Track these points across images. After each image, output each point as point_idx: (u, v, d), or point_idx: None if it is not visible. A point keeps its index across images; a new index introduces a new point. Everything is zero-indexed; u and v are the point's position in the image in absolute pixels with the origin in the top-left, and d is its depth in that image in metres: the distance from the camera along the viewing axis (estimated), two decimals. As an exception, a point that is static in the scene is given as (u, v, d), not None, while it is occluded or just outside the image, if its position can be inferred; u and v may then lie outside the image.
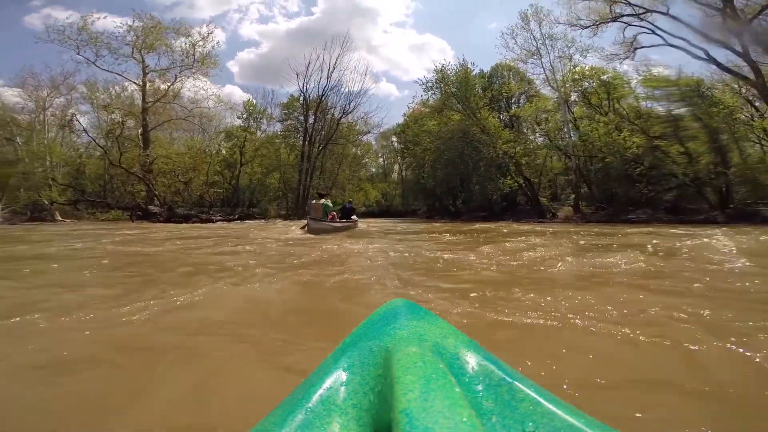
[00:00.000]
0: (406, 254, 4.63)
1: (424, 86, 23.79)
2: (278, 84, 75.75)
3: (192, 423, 1.06)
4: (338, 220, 10.47)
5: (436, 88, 23.57)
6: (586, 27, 20.78)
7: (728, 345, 1.47)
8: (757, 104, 21.14)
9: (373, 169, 40.04)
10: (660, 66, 20.08)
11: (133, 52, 24.65)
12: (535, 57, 22.24)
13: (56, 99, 27.14)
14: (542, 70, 22.38)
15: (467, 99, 22.30)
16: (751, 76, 16.75)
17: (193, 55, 25.53)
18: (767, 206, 15.54)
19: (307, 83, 26.36)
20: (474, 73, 24.09)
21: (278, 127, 31.59)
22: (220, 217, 22.02)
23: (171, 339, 1.68)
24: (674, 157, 18.47)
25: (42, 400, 1.18)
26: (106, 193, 26.01)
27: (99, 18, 23.79)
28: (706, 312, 1.90)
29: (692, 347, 1.47)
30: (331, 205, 10.06)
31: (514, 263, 3.78)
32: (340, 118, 26.31)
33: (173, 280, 2.99)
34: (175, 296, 2.30)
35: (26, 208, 22.66)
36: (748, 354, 1.40)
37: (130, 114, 24.65)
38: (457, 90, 22.48)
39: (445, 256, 4.41)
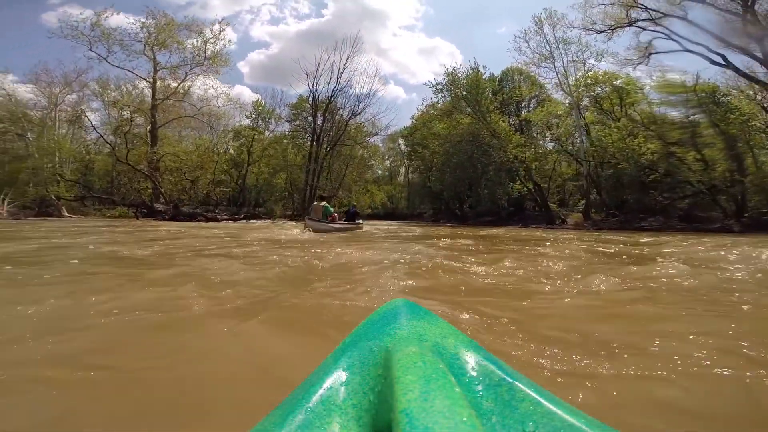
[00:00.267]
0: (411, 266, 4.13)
1: (434, 89, 23.39)
2: (287, 85, 75.70)
3: None
4: (339, 222, 10.84)
5: (447, 90, 23.13)
6: (601, 32, 20.25)
7: None
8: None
9: (380, 172, 39.60)
10: (674, 72, 19.46)
11: (144, 49, 24.46)
12: (548, 61, 21.72)
13: (68, 96, 27.12)
14: (555, 74, 21.84)
15: (478, 102, 21.83)
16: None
17: (204, 52, 25.28)
18: (783, 215, 14.89)
19: (316, 83, 26.02)
20: (485, 76, 23.62)
21: (286, 127, 31.32)
22: (225, 217, 21.62)
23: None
24: (690, 164, 17.89)
25: None
26: (113, 189, 25.80)
27: (112, 14, 23.61)
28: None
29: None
30: (331, 208, 10.49)
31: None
32: (349, 119, 25.86)
33: (114, 288, 2.55)
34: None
35: (34, 203, 22.47)
36: None
37: (139, 111, 24.42)
38: (467, 93, 22.02)
39: (474, 273, 3.87)
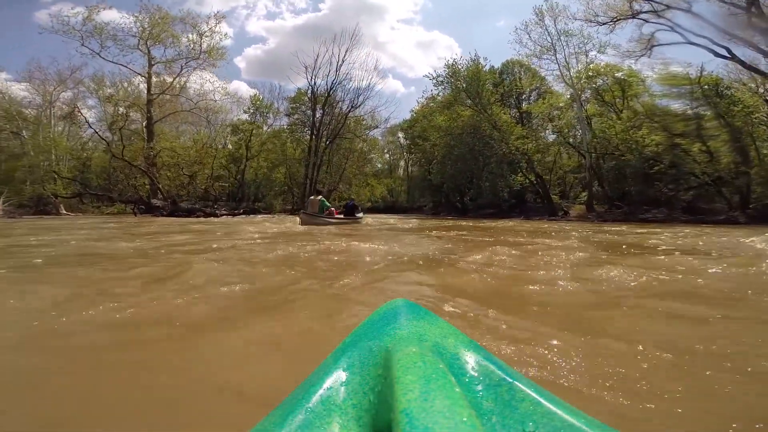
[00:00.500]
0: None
1: (434, 81, 22.87)
2: (285, 80, 74.59)
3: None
4: (336, 216, 10.74)
5: (447, 83, 22.62)
6: (604, 24, 19.72)
7: None
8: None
9: (379, 165, 38.99)
10: (677, 64, 19.04)
11: (138, 44, 23.69)
12: (550, 53, 21.21)
13: (63, 93, 26.47)
14: (557, 65, 21.35)
15: (479, 94, 21.35)
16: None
17: (200, 46, 24.54)
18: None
19: (315, 76, 25.36)
20: (485, 69, 23.12)
21: (285, 121, 30.65)
22: (224, 212, 21.11)
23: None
24: (695, 156, 17.59)
25: None
26: (110, 186, 25.20)
27: (104, 9, 22.80)
28: None
29: None
30: (327, 202, 10.49)
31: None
32: (348, 111, 25.27)
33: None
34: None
35: (31, 202, 21.90)
36: None
37: (133, 105, 23.73)
38: (468, 85, 21.53)
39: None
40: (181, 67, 24.69)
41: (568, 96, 23.05)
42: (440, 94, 24.91)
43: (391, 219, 18.60)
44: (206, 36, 24.78)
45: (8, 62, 51.01)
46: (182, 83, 25.39)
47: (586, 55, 21.27)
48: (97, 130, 24.94)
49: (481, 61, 22.28)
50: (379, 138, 35.42)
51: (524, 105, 26.91)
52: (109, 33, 22.67)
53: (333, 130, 24.98)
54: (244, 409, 1.06)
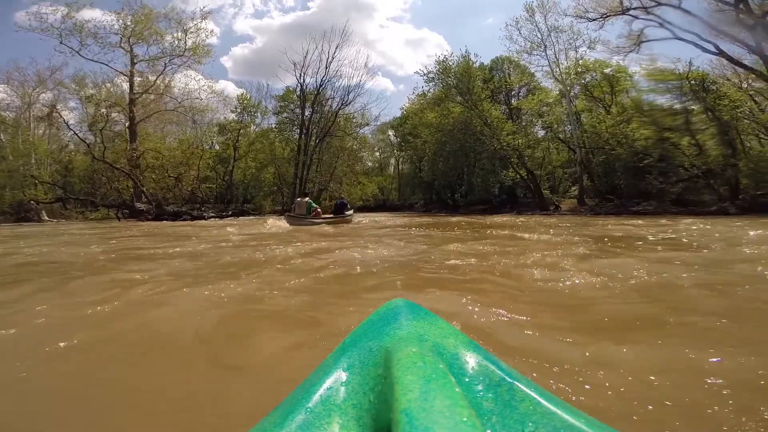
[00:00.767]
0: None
1: (425, 77, 22.39)
2: (273, 79, 73.06)
3: None
4: (324, 216, 10.81)
5: (438, 79, 22.17)
6: (594, 20, 19.50)
7: None
8: (756, 99, 20.33)
9: (369, 163, 38.31)
10: (665, 59, 18.99)
11: (121, 41, 22.57)
12: (540, 49, 20.93)
13: (43, 95, 25.17)
14: (547, 62, 21.09)
15: (469, 90, 20.95)
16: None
17: (185, 43, 23.50)
18: (777, 197, 14.54)
19: (304, 74, 24.57)
20: (475, 65, 22.74)
21: (273, 120, 29.72)
22: (212, 214, 20.31)
23: None
24: (684, 149, 17.54)
25: None
26: (93, 190, 24.08)
27: (85, 5, 21.60)
28: None
29: None
30: (314, 204, 10.55)
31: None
32: (338, 109, 24.54)
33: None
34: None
35: (11, 208, 20.74)
36: None
37: (115, 105, 22.58)
38: (458, 81, 21.12)
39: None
40: (165, 65, 23.66)
41: (557, 92, 22.88)
42: (431, 90, 24.45)
43: (380, 217, 18.12)
44: (191, 33, 23.81)
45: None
46: (167, 82, 24.35)
47: (576, 51, 21.07)
48: (77, 132, 23.72)
49: (472, 57, 21.86)
50: (369, 136, 34.86)
51: (513, 101, 26.62)
52: (89, 30, 21.56)
53: (323, 128, 24.25)
54: None
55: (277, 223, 10.33)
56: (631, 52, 19.32)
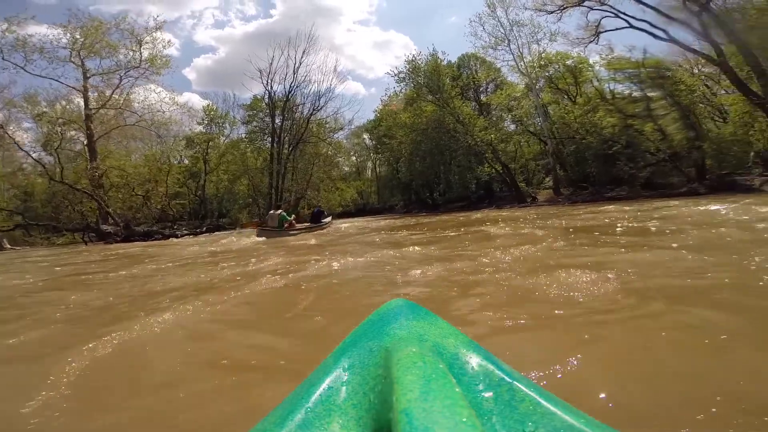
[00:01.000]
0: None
1: (396, 77, 22.11)
2: (239, 88, 70.94)
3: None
4: (297, 228, 10.63)
5: (409, 79, 21.95)
6: (552, 12, 19.78)
7: None
8: (708, 84, 21.28)
9: (346, 168, 37.63)
10: (623, 48, 19.53)
11: (71, 56, 21.02)
12: (504, 43, 21.08)
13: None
14: (511, 56, 21.27)
15: (439, 89, 20.83)
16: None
17: (140, 54, 22.17)
18: (741, 176, 15.10)
19: (271, 80, 23.71)
20: (443, 63, 22.67)
21: (242, 130, 28.59)
22: (186, 232, 19.17)
23: None
24: (648, 135, 18.01)
25: None
26: (55, 214, 22.29)
27: (26, 18, 19.94)
28: None
29: None
30: (287, 215, 10.37)
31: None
32: (310, 115, 23.82)
33: None
34: None
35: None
36: None
37: (70, 122, 20.97)
38: (428, 80, 20.96)
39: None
40: (120, 77, 22.19)
41: (524, 86, 23.15)
42: (402, 90, 24.22)
43: (360, 222, 17.56)
44: (146, 43, 22.49)
45: None
46: (125, 96, 22.86)
47: (539, 44, 21.37)
48: (29, 153, 21.88)
49: (440, 55, 21.77)
50: (344, 141, 34.23)
51: (483, 97, 26.77)
52: (34, 45, 19.93)
53: (295, 135, 23.48)
54: None
55: (245, 239, 9.93)
56: (590, 42, 19.74)
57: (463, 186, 22.97)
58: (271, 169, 22.80)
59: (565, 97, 22.09)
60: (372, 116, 32.88)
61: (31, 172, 25.44)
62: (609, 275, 2.29)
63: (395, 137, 24.82)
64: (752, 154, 15.61)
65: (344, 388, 0.40)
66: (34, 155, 21.81)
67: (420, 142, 22.37)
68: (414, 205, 27.50)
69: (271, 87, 23.88)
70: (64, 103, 22.93)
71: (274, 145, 23.63)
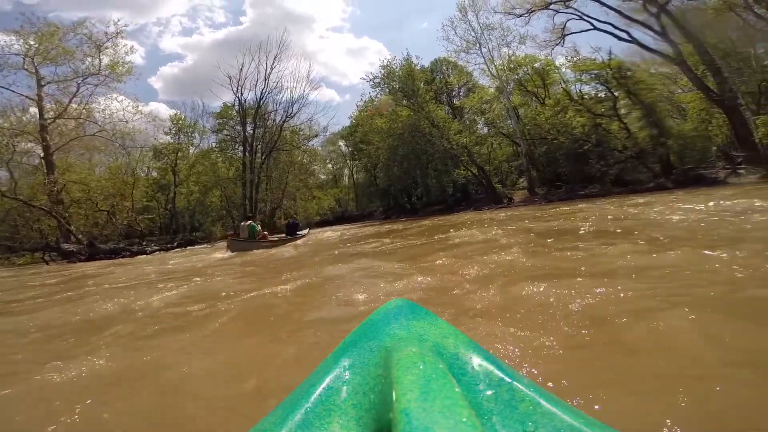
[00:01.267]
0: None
1: (371, 82, 21.81)
2: (208, 97, 68.78)
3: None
4: (270, 239, 10.40)
5: (384, 84, 21.69)
6: (520, 15, 20.08)
7: None
8: (664, 83, 22.04)
9: (323, 176, 36.87)
10: (587, 50, 20.04)
11: (24, 63, 19.50)
12: (475, 47, 21.23)
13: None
14: (483, 59, 21.43)
15: (414, 93, 20.66)
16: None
17: (99, 60, 20.84)
18: (706, 170, 15.56)
19: (241, 87, 22.80)
20: (417, 67, 22.58)
21: (213, 140, 27.34)
22: (156, 248, 18.06)
23: None
24: (615, 134, 18.43)
25: None
26: (14, 233, 20.47)
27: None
28: None
29: None
30: (257, 226, 10.21)
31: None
32: (283, 122, 23.04)
33: None
34: None
35: None
36: None
37: (23, 133, 19.35)
38: (402, 85, 20.79)
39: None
40: (78, 85, 20.75)
41: (494, 89, 23.35)
42: (378, 95, 23.94)
43: (337, 230, 16.89)
44: (106, 49, 21.16)
45: None
46: (85, 105, 21.36)
47: (509, 47, 21.63)
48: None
49: (414, 59, 21.67)
50: (320, 148, 33.55)
51: (455, 101, 26.86)
52: (-21, 53, 18.38)
53: (268, 143, 22.66)
54: None
55: (214, 255, 9.34)
56: (557, 45, 20.16)
57: (441, 189, 22.86)
58: (244, 179, 21.86)
59: (534, 99, 22.41)
60: (347, 123, 32.47)
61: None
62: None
63: (372, 143, 24.45)
64: (714, 148, 16.14)
65: (344, 388, 0.40)
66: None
67: (397, 146, 22.10)
68: (393, 211, 27.16)
69: (242, 94, 23.03)
70: (18, 113, 21.28)
71: (246, 154, 22.72)
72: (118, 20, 21.87)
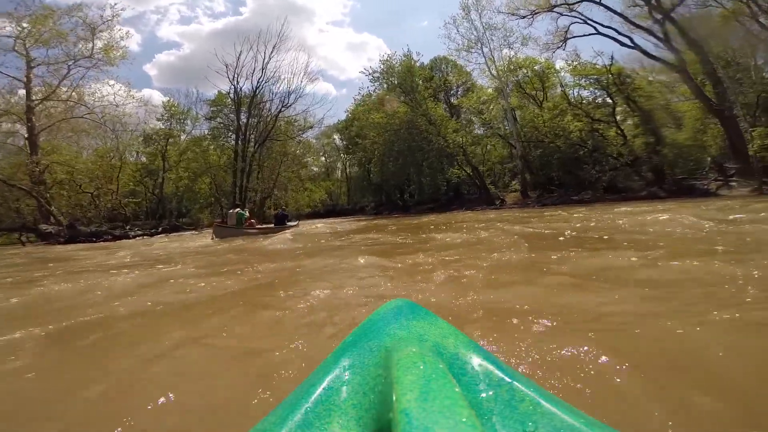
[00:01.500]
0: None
1: (370, 76, 21.37)
2: (203, 85, 67.46)
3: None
4: (258, 227, 10.46)
5: (383, 79, 21.28)
6: (524, 17, 19.74)
7: None
8: (661, 91, 21.84)
9: (315, 169, 36.32)
10: (591, 53, 19.77)
11: (15, 45, 18.70)
12: (477, 46, 20.89)
13: None
14: (483, 59, 21.09)
15: (412, 89, 20.27)
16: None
17: (93, 42, 20.08)
18: (699, 181, 15.39)
19: (237, 75, 22.18)
20: (417, 64, 22.19)
21: (205, 127, 26.65)
22: (140, 232, 17.49)
23: None
24: (611, 140, 18.20)
25: None
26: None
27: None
28: None
29: None
30: (245, 213, 10.29)
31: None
32: (279, 112, 22.47)
33: None
34: None
35: None
36: None
37: (8, 113, 18.62)
38: (401, 81, 20.39)
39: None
40: (69, 68, 19.99)
41: (493, 89, 23.02)
42: (376, 90, 23.51)
43: (321, 224, 16.44)
44: (101, 32, 20.42)
45: None
46: (75, 88, 20.58)
47: (510, 48, 21.31)
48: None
49: (414, 56, 21.26)
50: (314, 141, 32.96)
51: (453, 100, 26.50)
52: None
53: (262, 132, 22.09)
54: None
55: (194, 241, 9.22)
56: (558, 48, 19.85)
57: (435, 188, 22.54)
58: (235, 167, 21.31)
59: (532, 101, 22.10)
60: (343, 116, 31.96)
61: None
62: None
63: (368, 137, 24.01)
64: (709, 159, 15.96)
65: (344, 388, 0.39)
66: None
67: (393, 142, 21.70)
68: (385, 207, 26.78)
69: (238, 82, 22.41)
70: (7, 96, 20.47)
71: (239, 142, 22.16)
72: (115, 3, 21.09)
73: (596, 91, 19.75)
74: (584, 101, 19.83)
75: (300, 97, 25.20)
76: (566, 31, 19.12)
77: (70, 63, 19.85)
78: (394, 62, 21.05)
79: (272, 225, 11.76)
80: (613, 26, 18.09)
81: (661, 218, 4.72)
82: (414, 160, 21.81)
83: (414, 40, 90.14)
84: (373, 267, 3.12)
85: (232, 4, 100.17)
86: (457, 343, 0.44)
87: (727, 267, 2.05)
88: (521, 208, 15.76)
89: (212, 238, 9.26)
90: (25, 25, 18.66)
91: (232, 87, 22.52)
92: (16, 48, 18.92)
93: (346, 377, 0.40)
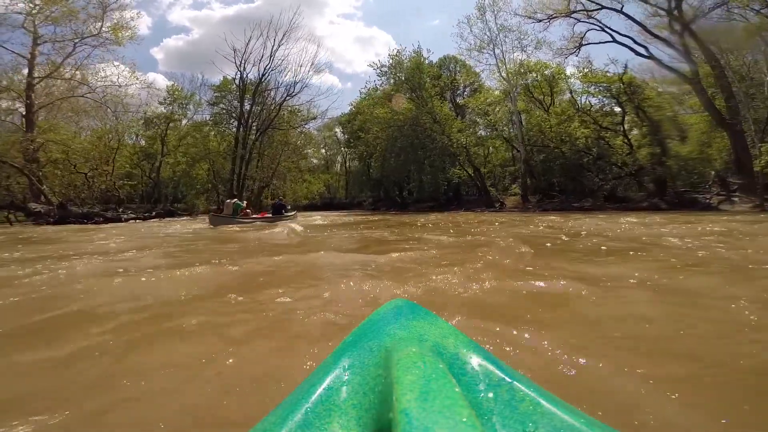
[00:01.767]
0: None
1: (378, 71, 20.95)
2: (210, 71, 66.24)
3: None
4: (252, 217, 10.52)
5: (391, 73, 20.87)
6: (541, 20, 19.29)
7: None
8: (669, 102, 21.43)
9: (315, 161, 35.83)
10: (604, 60, 19.38)
11: (24, 22, 18.07)
12: (489, 47, 20.49)
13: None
14: (495, 60, 20.70)
15: (419, 86, 19.87)
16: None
17: (102, 20, 19.45)
18: (701, 194, 15.10)
19: (245, 61, 21.60)
20: (426, 61, 21.78)
21: (208, 113, 26.07)
22: (132, 215, 17.06)
23: None
24: (617, 149, 17.86)
25: None
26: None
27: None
28: None
29: None
30: (242, 204, 10.48)
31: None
32: (283, 100, 21.96)
33: None
34: None
35: None
36: None
37: (7, 89, 18.00)
38: (410, 76, 20.02)
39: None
40: (74, 45, 19.36)
41: (500, 91, 22.59)
42: (382, 84, 23.08)
43: (319, 217, 16.06)
44: (111, 11, 19.77)
45: None
46: (78, 67, 19.89)
47: (523, 51, 20.90)
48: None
49: (424, 53, 20.85)
50: (315, 133, 32.44)
51: (459, 100, 26.08)
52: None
53: (264, 120, 21.58)
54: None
55: (187, 227, 9.32)
56: (572, 54, 19.41)
57: (435, 186, 22.19)
58: (234, 154, 20.83)
59: (539, 105, 21.70)
60: (347, 110, 31.45)
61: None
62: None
63: (371, 131, 23.56)
64: (713, 173, 15.63)
65: (344, 388, 0.39)
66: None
67: (396, 138, 21.30)
68: (383, 203, 26.38)
69: (244, 68, 21.85)
70: (11, 73, 19.79)
71: (240, 129, 21.66)
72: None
73: (605, 99, 19.37)
74: (592, 108, 19.44)
75: (306, 86, 24.62)
76: (582, 38, 18.67)
77: (76, 41, 19.24)
78: (403, 58, 20.63)
79: (269, 215, 11.69)
80: (630, 35, 17.66)
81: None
82: (416, 157, 21.41)
83: (423, 38, 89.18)
84: (373, 265, 2.83)
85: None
86: (457, 343, 0.44)
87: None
88: (521, 212, 15.42)
89: (208, 225, 9.45)
90: (37, 2, 18.08)
91: (239, 73, 21.97)
92: (25, 25, 18.33)
93: (346, 377, 0.40)
